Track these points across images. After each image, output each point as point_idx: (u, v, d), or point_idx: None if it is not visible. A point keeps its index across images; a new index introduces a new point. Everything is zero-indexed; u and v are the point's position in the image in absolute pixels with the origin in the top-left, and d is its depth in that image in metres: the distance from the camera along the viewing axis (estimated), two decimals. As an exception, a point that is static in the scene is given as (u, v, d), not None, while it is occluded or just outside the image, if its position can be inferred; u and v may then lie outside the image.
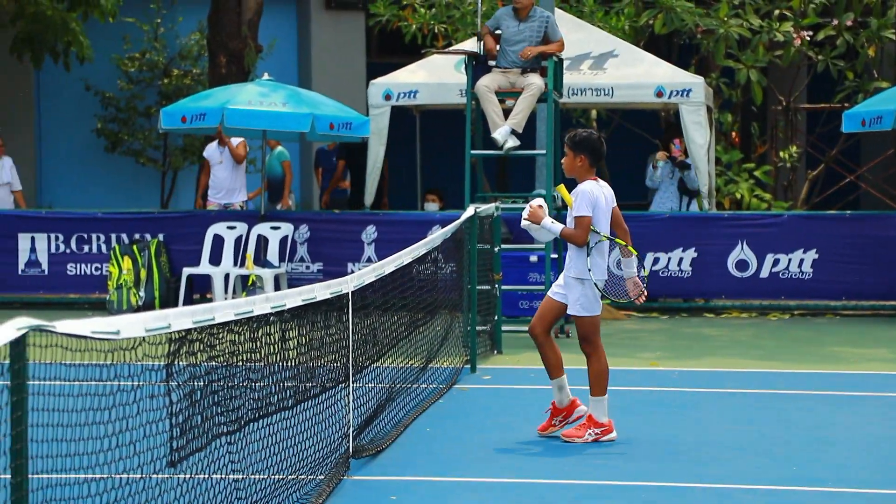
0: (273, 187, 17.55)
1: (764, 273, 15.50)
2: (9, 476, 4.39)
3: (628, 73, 16.24)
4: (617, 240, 8.63)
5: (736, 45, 18.90)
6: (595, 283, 8.45)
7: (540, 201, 8.68)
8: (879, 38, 19.52)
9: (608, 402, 8.52)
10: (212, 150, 16.55)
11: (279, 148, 17.91)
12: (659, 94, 16.06)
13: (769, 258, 15.50)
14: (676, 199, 16.33)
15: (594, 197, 8.44)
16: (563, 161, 8.69)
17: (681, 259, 15.56)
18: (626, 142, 20.74)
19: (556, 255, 13.72)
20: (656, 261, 15.58)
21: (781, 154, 20.58)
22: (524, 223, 8.69)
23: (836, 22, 19.52)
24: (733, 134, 20.64)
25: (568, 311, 8.64)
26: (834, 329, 14.63)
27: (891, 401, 10.19)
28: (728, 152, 19.55)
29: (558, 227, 8.58)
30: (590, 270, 8.44)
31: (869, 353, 12.72)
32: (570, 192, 8.59)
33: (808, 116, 22.00)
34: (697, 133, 15.95)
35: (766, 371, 11.66)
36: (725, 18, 18.70)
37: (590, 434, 8.48)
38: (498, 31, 13.56)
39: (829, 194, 20.23)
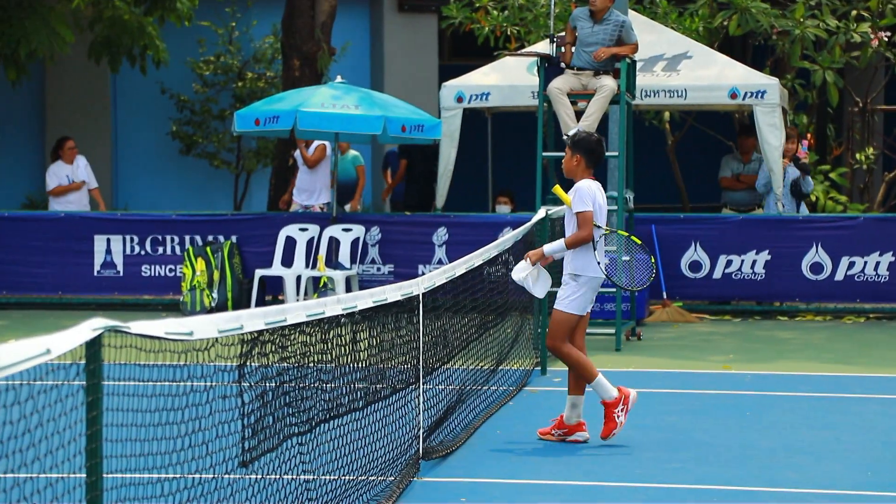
0: (344, 190, 17.61)
1: (839, 276, 15.35)
2: (84, 475, 4.45)
3: (702, 74, 16.15)
4: (620, 231, 8.79)
5: (812, 47, 18.72)
6: (605, 274, 8.65)
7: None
8: (959, 39, 19.27)
9: (602, 380, 8.57)
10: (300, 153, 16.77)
11: (353, 152, 17.97)
12: (733, 95, 15.95)
13: (844, 261, 15.34)
14: (790, 203, 16.13)
15: (592, 192, 8.60)
16: (563, 161, 8.79)
17: (754, 261, 15.45)
18: (700, 143, 20.63)
19: (627, 258, 13.65)
20: (729, 263, 15.48)
21: (857, 156, 20.36)
22: (519, 277, 8.65)
23: (914, 22, 19.29)
24: (809, 136, 20.46)
25: (556, 306, 8.65)
26: (910, 333, 14.48)
27: (968, 406, 10.08)
28: (803, 154, 19.37)
29: (559, 241, 8.71)
30: (599, 264, 8.58)
31: (946, 358, 12.59)
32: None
33: (886, 118, 21.76)
34: (772, 135, 15.82)
35: (841, 375, 11.56)
36: (801, 19, 18.53)
37: (618, 416, 8.49)
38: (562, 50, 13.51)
39: (905, 197, 20.00)
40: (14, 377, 3.82)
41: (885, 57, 19.51)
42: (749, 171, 16.67)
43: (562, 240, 8.71)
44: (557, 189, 8.86)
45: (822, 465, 7.91)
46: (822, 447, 8.40)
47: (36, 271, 16.27)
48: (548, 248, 8.78)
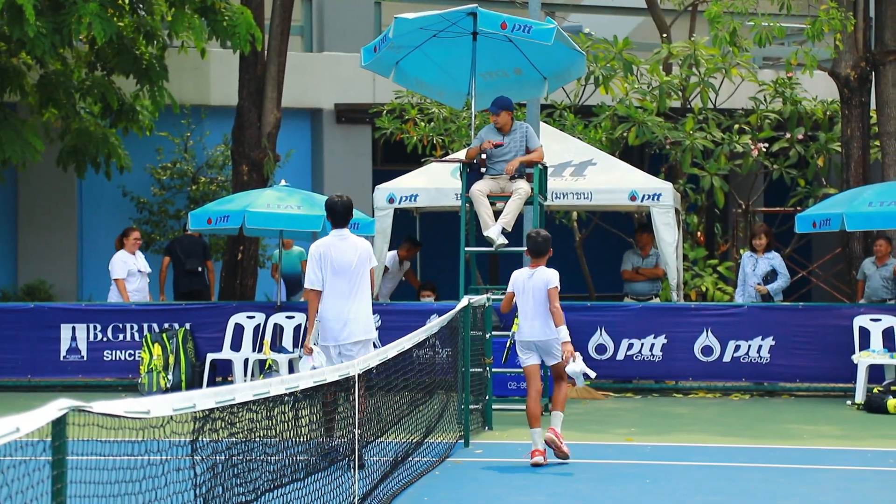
0: (291, 282, 17.55)
1: (727, 357, 15.47)
2: (49, 541, 4.37)
3: (605, 179, 16.32)
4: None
5: (700, 155, 19.07)
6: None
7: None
8: (827, 150, 19.73)
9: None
10: (394, 263, 17.03)
11: (298, 248, 17.92)
12: (633, 197, 16.12)
13: (731, 344, 15.48)
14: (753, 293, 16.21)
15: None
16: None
17: (652, 345, 15.55)
18: (604, 240, 20.84)
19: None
20: (630, 346, 15.56)
21: (741, 251, 20.66)
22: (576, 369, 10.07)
23: (788, 135, 19.73)
24: (699, 233, 20.75)
25: (558, 364, 10.16)
26: (789, 408, 14.58)
27: (842, 473, 10.14)
28: (694, 250, 19.62)
29: (561, 328, 10.11)
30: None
31: (821, 430, 12.67)
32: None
33: (765, 218, 22.14)
34: (667, 232, 16.00)
35: (729, 446, 11.60)
36: (691, 132, 18.89)
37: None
38: (483, 156, 13.58)
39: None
40: (-14, 453, 3.76)
41: (763, 165, 19.94)
42: (647, 265, 16.79)
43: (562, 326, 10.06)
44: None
45: (714, 526, 7.91)
46: (714, 510, 8.41)
47: (7, 357, 16.02)
48: (566, 334, 10.09)
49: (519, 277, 10.36)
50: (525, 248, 10.39)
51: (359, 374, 7.77)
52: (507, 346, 10.94)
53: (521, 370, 12.30)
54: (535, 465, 10.02)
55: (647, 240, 16.84)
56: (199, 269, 17.49)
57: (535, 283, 10.24)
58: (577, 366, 9.97)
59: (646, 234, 16.87)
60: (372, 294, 10.44)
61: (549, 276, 10.23)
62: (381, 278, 16.45)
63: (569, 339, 10.03)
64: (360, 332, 10.11)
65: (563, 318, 10.06)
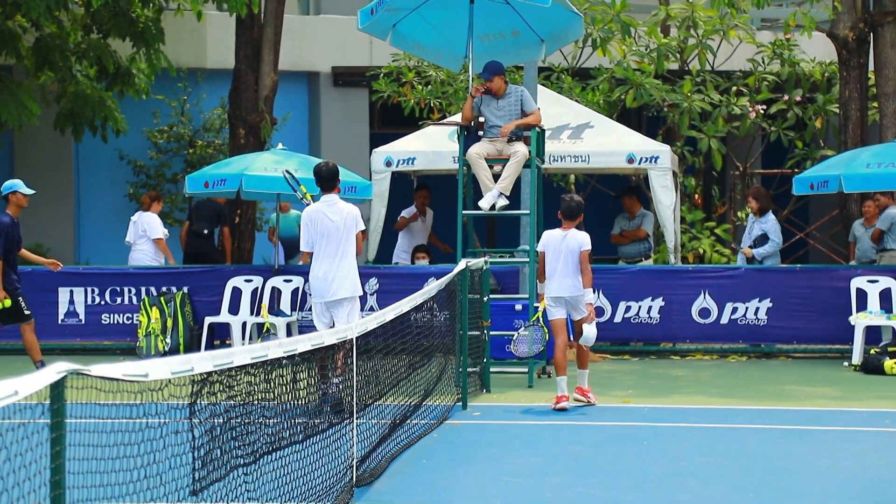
0: (289, 246, 17.51)
1: (724, 320, 15.49)
2: (49, 504, 4.39)
3: (603, 141, 16.30)
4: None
5: (698, 118, 19.03)
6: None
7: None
8: (825, 112, 19.70)
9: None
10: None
11: (295, 212, 17.88)
12: (630, 160, 16.10)
13: (728, 306, 15.49)
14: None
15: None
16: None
17: (650, 307, 15.56)
18: (601, 202, 20.82)
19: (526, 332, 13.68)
20: (628, 308, 15.58)
21: (739, 214, 20.68)
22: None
23: (786, 97, 19.69)
24: (696, 196, 20.73)
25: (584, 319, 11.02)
26: (786, 370, 14.62)
27: (838, 433, 10.19)
28: (692, 212, 19.62)
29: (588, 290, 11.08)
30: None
31: (817, 392, 12.71)
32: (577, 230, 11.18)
33: (763, 180, 22.13)
34: (665, 195, 15.99)
35: (727, 407, 11.65)
36: (689, 94, 18.84)
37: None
38: (481, 119, 13.57)
39: (781, 250, 20.28)
40: (-15, 416, 3.76)
41: (761, 127, 19.90)
42: (632, 227, 16.75)
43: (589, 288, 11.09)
44: None
45: (710, 487, 7.96)
46: (710, 472, 8.46)
47: (5, 320, 16.01)
48: (592, 297, 11.22)
49: (551, 239, 11.18)
50: (558, 211, 11.35)
51: (356, 337, 7.78)
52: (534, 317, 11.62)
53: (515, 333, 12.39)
54: (560, 409, 10.81)
55: (630, 203, 16.77)
56: (205, 231, 17.42)
57: (568, 244, 11.07)
58: (592, 329, 11.00)
59: (627, 196, 16.80)
60: (360, 256, 11.26)
61: (583, 239, 11.12)
62: (377, 241, 16.42)
63: (593, 302, 11.18)
64: (346, 290, 10.93)
65: (591, 279, 11.12)
